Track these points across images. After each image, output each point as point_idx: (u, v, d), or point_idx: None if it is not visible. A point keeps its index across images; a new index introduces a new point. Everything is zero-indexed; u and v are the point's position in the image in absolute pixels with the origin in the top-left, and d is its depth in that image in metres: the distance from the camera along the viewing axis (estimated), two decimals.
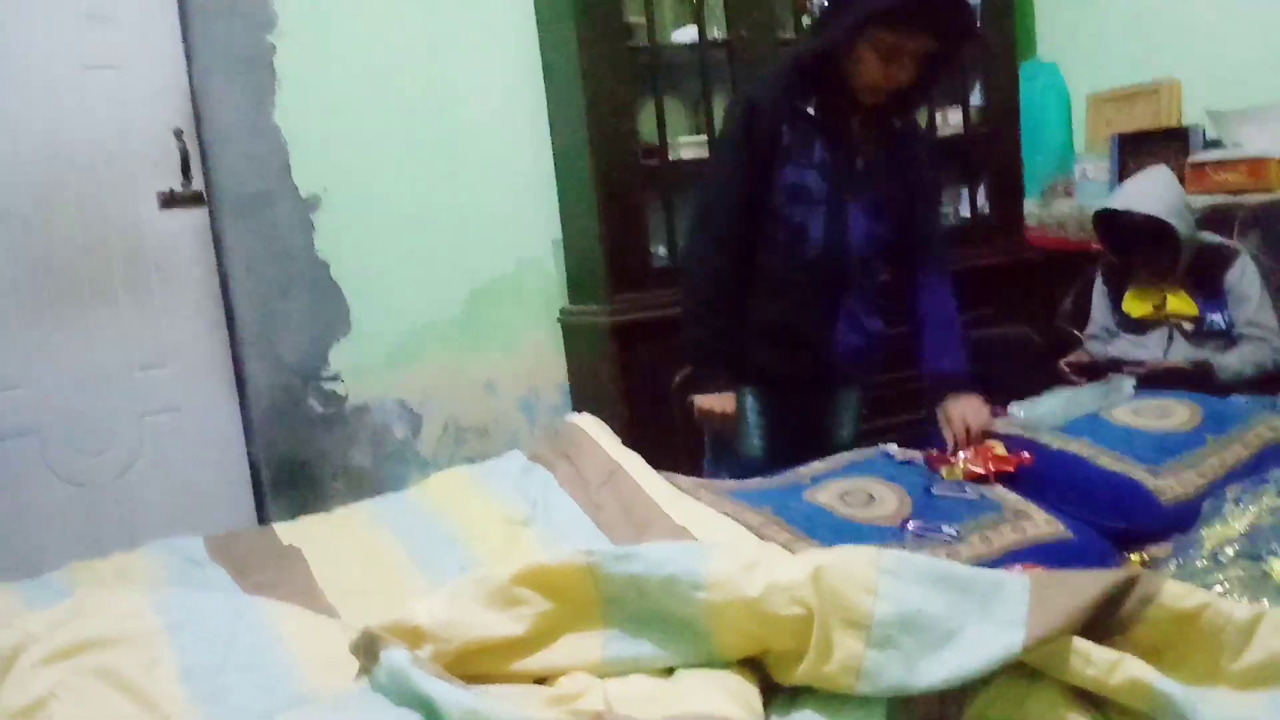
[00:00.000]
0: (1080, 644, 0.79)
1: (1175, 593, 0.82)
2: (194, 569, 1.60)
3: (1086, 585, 0.82)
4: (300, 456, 3.00)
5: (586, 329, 3.14)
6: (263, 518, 2.94)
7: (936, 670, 0.82)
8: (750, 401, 2.01)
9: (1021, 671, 0.81)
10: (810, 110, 1.84)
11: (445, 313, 3.15)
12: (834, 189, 1.88)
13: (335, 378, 3.03)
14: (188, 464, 2.91)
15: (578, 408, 3.30)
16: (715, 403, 1.96)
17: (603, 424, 1.93)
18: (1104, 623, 0.82)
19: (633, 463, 1.74)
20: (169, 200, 2.83)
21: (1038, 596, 0.83)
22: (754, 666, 0.95)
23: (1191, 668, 0.82)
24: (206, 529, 1.82)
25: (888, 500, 1.60)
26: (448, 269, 3.14)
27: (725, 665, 0.95)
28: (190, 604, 1.17)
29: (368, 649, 0.95)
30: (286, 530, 1.72)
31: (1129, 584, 0.82)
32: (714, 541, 0.99)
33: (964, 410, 1.92)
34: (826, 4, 1.81)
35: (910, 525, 1.55)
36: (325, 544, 1.62)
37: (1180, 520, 1.67)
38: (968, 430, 1.89)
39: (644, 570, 0.93)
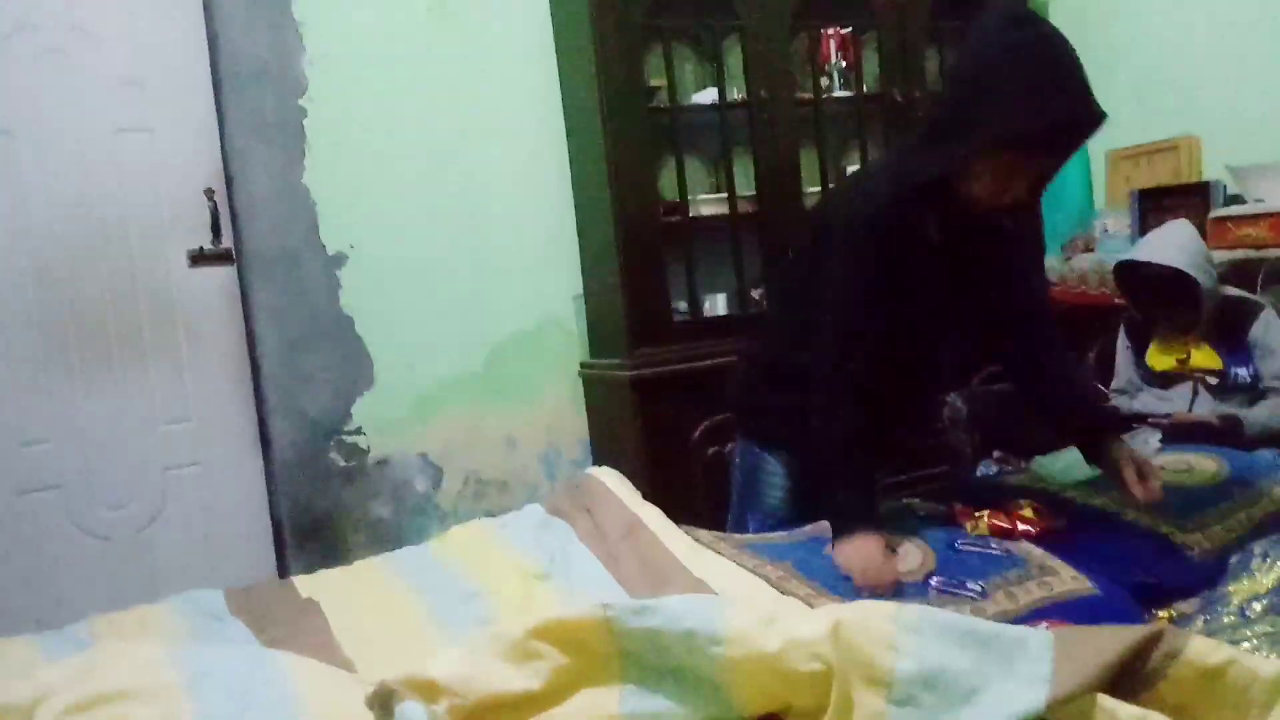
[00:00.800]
0: (1106, 701, 0.78)
1: (1200, 649, 0.80)
2: (213, 622, 1.60)
3: (1110, 641, 0.81)
4: (322, 509, 3.01)
5: (607, 383, 3.15)
6: (284, 570, 2.94)
7: None
8: (779, 460, 1.97)
9: None
10: (933, 233, 1.64)
11: (467, 367, 3.18)
12: (948, 299, 1.74)
13: (358, 431, 3.05)
14: (210, 517, 2.92)
15: (598, 461, 3.30)
16: (871, 563, 1.55)
17: (622, 477, 1.92)
18: (1129, 679, 0.81)
19: (652, 516, 1.73)
20: (198, 258, 2.89)
21: (1062, 653, 0.81)
22: None
23: None
24: (228, 582, 1.83)
25: (911, 555, 1.59)
26: (470, 324, 3.17)
27: None
28: (207, 657, 1.16)
29: (383, 703, 0.94)
30: (305, 583, 1.72)
31: (1153, 640, 0.81)
32: (732, 596, 0.97)
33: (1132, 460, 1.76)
34: (946, 116, 1.62)
35: (934, 581, 1.53)
36: (343, 597, 1.62)
37: (1208, 575, 1.64)
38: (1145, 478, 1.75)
39: (662, 624, 0.92)
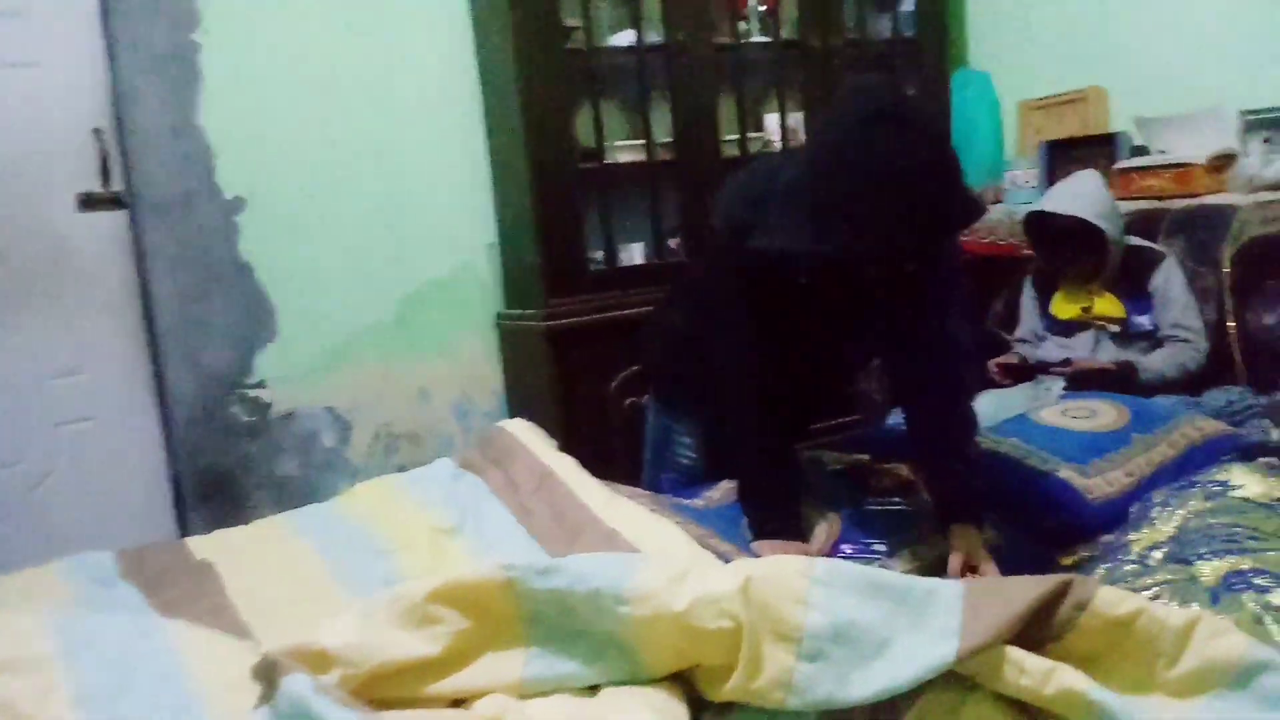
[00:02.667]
0: (1014, 653, 0.78)
1: (1109, 599, 0.80)
2: (102, 587, 1.52)
3: (1020, 593, 0.81)
4: (223, 466, 2.90)
5: (522, 333, 3.09)
6: (184, 531, 2.83)
7: (869, 683, 0.80)
8: (690, 426, 1.94)
9: (956, 681, 0.79)
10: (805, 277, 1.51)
11: (376, 317, 3.08)
12: (830, 329, 1.66)
13: (260, 385, 2.94)
14: (105, 476, 2.80)
15: (514, 413, 3.25)
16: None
17: (535, 428, 1.89)
18: (1038, 630, 0.81)
19: (565, 467, 1.70)
20: (87, 202, 2.73)
21: (971, 605, 0.81)
22: (682, 682, 0.92)
23: (1126, 675, 0.80)
24: (125, 543, 1.74)
25: (819, 532, 1.59)
26: (379, 273, 3.07)
27: (652, 681, 0.91)
28: (89, 626, 1.10)
29: (268, 676, 0.89)
30: (200, 544, 1.65)
31: (1062, 591, 0.81)
32: (644, 553, 0.95)
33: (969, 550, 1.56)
34: (803, 183, 1.38)
35: (843, 548, 1.54)
36: (240, 558, 1.56)
37: (1109, 520, 1.69)
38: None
39: (567, 585, 0.89)
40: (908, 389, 1.72)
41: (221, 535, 1.73)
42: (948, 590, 0.84)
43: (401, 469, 3.03)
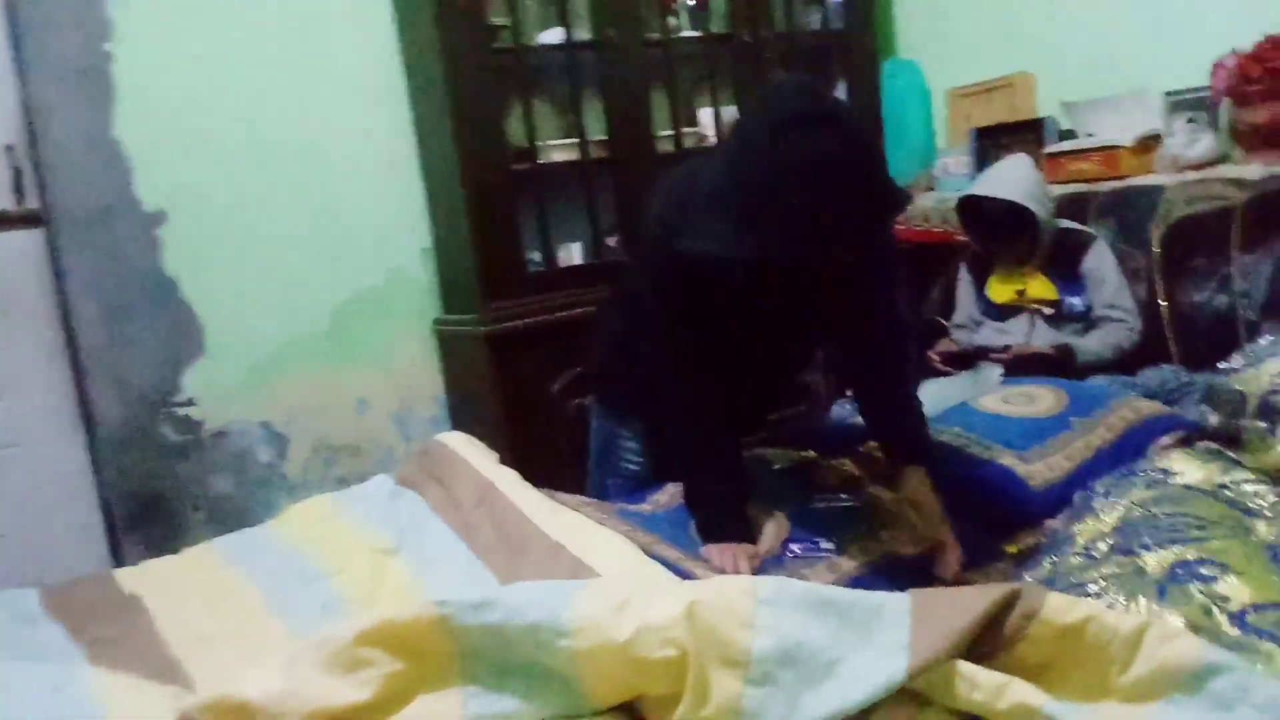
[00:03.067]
0: (965, 668, 0.76)
1: (1058, 607, 0.79)
2: (25, 627, 1.45)
3: (969, 603, 0.79)
4: (155, 488, 2.81)
5: (461, 339, 3.04)
6: (119, 558, 2.73)
7: (820, 705, 0.78)
8: (635, 431, 1.92)
9: (908, 697, 0.78)
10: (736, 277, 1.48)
11: (309, 328, 3.00)
12: (768, 324, 1.63)
13: (190, 403, 2.85)
14: (33, 504, 2.68)
15: (455, 421, 3.21)
16: (738, 562, 1.49)
17: (473, 440, 1.84)
18: (988, 642, 0.80)
19: (506, 480, 1.66)
20: (1, 221, 2.62)
21: (919, 618, 0.79)
22: (628, 713, 0.89)
23: (1079, 683, 0.79)
24: (55, 574, 1.68)
25: (768, 532, 1.57)
26: (310, 282, 2.99)
27: (597, 714, 0.88)
28: (4, 675, 1.04)
29: None
30: (129, 576, 1.59)
31: (1011, 600, 0.80)
32: (584, 580, 0.91)
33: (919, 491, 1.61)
34: (719, 185, 1.36)
35: (793, 548, 1.53)
36: (170, 590, 1.50)
37: (1051, 505, 1.70)
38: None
39: (503, 619, 0.86)
40: (856, 376, 1.75)
41: (150, 566, 1.66)
42: (895, 604, 0.82)
43: (342, 482, 2.97)
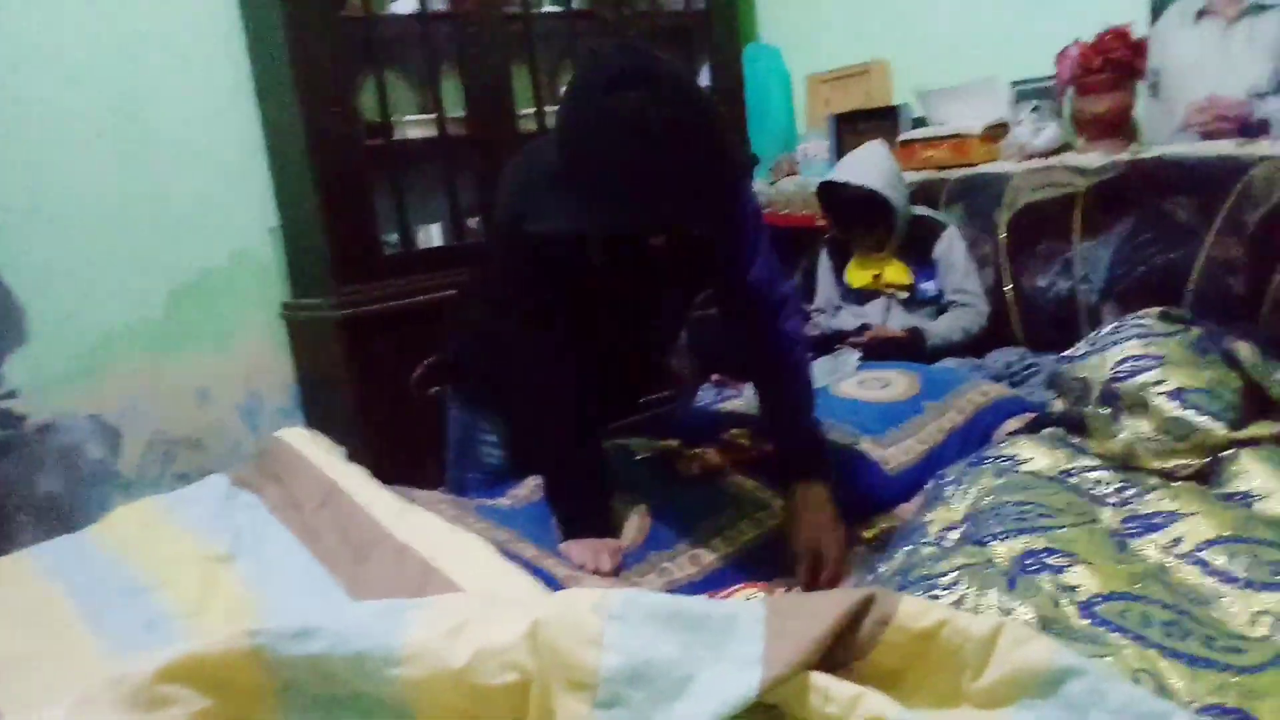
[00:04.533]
0: (819, 680, 0.74)
1: (912, 611, 0.78)
2: None
3: (822, 611, 0.77)
4: None
5: (313, 324, 2.89)
6: None
7: None
8: (494, 423, 1.85)
9: (762, 712, 0.75)
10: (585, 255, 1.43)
11: (143, 313, 2.80)
12: (628, 302, 1.57)
13: (11, 395, 2.61)
14: None
15: (307, 410, 3.06)
16: (598, 559, 1.44)
17: (317, 437, 1.73)
18: (841, 651, 0.78)
19: (352, 478, 1.56)
20: None
21: (773, 628, 0.77)
22: None
23: (932, 690, 0.78)
24: None
25: (630, 526, 1.54)
26: (145, 264, 2.79)
27: None
28: None
29: None
30: None
31: (865, 607, 0.78)
32: (419, 600, 0.84)
33: (817, 532, 1.50)
34: (553, 161, 1.30)
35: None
36: None
37: (905, 489, 1.73)
38: (818, 563, 1.47)
39: (326, 649, 0.78)
40: (748, 366, 1.69)
41: None
42: (748, 614, 0.79)
43: (183, 479, 2.79)
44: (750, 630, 0.77)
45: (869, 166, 2.49)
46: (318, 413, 3.00)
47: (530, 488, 1.71)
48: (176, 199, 2.82)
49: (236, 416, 2.98)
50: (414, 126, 2.94)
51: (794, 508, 1.53)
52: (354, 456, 1.75)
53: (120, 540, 1.52)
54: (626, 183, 1.21)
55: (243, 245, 2.96)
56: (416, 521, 1.44)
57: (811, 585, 1.44)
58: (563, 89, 1.52)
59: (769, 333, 1.61)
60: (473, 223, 3.06)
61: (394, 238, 2.92)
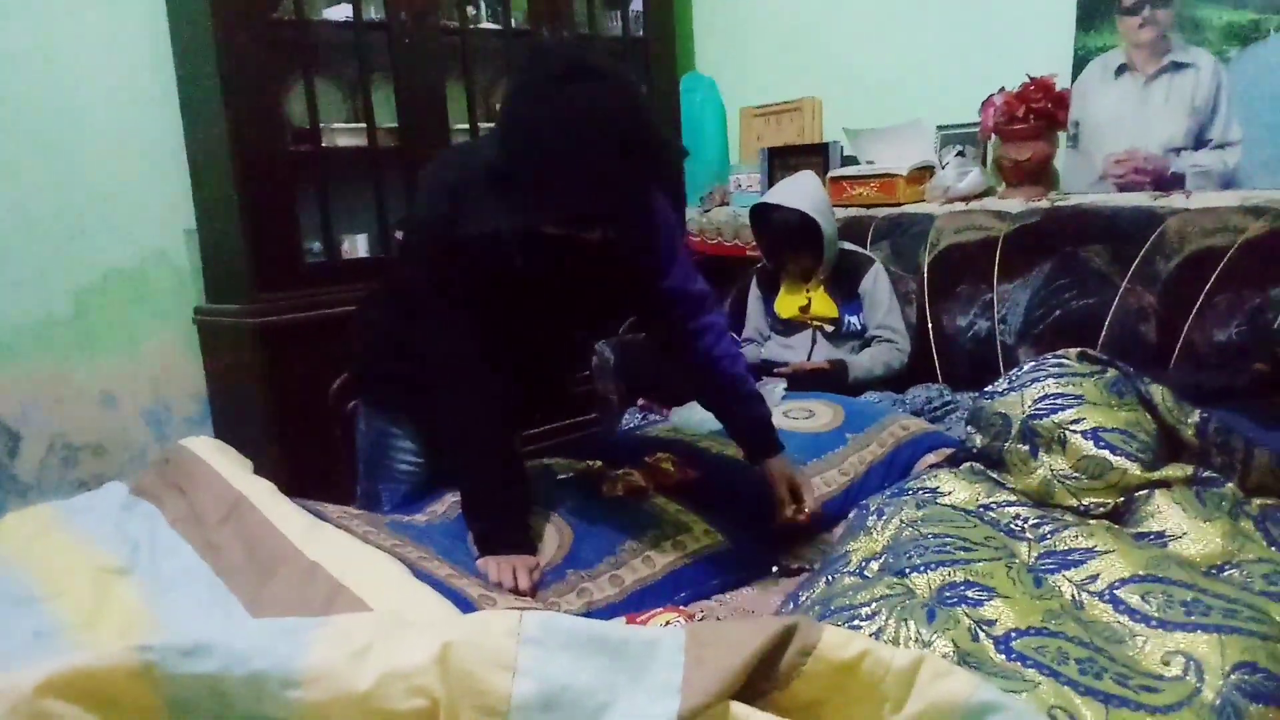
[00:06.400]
0: (739, 710, 0.72)
1: (834, 642, 0.77)
2: None
3: (744, 640, 0.75)
4: None
5: (227, 331, 2.80)
6: None
7: None
8: (407, 431, 1.80)
9: None
10: (511, 258, 1.45)
11: (46, 312, 2.68)
12: (552, 304, 1.56)
13: None
14: None
15: (218, 419, 2.95)
16: (517, 576, 1.43)
17: (223, 447, 1.66)
18: (762, 680, 0.76)
19: (259, 492, 1.49)
20: None
21: (694, 656, 0.75)
22: None
23: None
24: None
25: (549, 541, 1.51)
26: (49, 262, 2.68)
27: None
28: None
29: None
30: None
31: (787, 636, 0.77)
32: (323, 618, 0.80)
33: (793, 483, 1.68)
34: (494, 158, 1.31)
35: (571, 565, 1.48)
36: None
37: (828, 520, 1.73)
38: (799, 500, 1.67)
39: (220, 668, 0.74)
40: (665, 375, 1.81)
41: None
42: (669, 641, 0.77)
43: (84, 485, 2.67)
44: (670, 658, 0.75)
45: (803, 193, 2.52)
46: (229, 423, 2.90)
47: (448, 504, 1.67)
48: (85, 197, 2.72)
49: (142, 423, 2.86)
50: (343, 135, 2.89)
51: (768, 473, 1.69)
52: (266, 469, 1.67)
53: (10, 547, 1.43)
54: (583, 172, 1.24)
55: (156, 246, 2.86)
56: (327, 537, 1.38)
57: (797, 514, 1.67)
58: (498, 105, 1.53)
59: (695, 329, 1.65)
60: (399, 235, 3.01)
61: (317, 246, 2.85)
